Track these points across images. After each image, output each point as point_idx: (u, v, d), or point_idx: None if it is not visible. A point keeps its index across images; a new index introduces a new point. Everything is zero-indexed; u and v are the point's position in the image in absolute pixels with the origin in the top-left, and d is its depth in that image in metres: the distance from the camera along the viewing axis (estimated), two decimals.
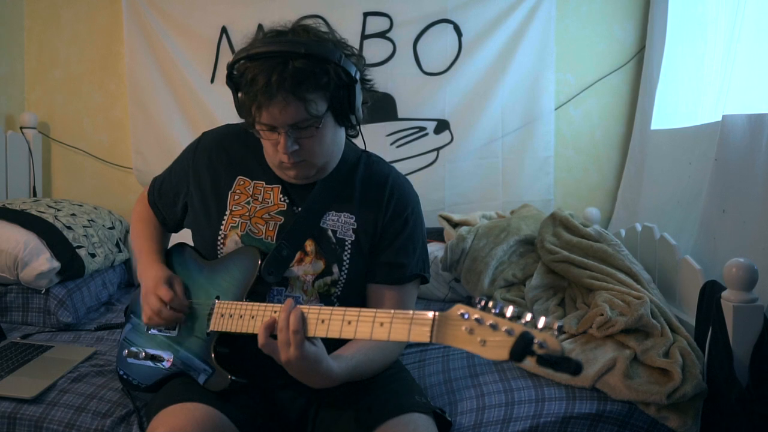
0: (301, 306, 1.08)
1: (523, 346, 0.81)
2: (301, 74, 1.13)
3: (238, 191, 1.33)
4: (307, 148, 1.22)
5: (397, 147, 2.66)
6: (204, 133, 1.43)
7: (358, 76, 1.21)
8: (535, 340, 0.81)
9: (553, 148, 2.67)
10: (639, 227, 2.07)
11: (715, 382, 1.38)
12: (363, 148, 1.42)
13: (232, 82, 1.21)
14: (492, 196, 2.69)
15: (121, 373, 1.40)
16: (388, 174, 1.37)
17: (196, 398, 1.17)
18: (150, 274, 1.31)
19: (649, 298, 1.58)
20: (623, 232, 2.21)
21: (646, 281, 1.72)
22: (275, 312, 1.11)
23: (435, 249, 2.25)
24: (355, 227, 1.30)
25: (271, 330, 1.08)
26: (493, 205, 2.61)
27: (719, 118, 1.74)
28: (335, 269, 1.28)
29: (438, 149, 2.68)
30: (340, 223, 1.30)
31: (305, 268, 1.27)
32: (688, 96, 2.25)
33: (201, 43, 2.65)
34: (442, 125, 2.66)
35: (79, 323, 2.04)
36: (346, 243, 1.29)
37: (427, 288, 2.26)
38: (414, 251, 1.33)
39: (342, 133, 1.31)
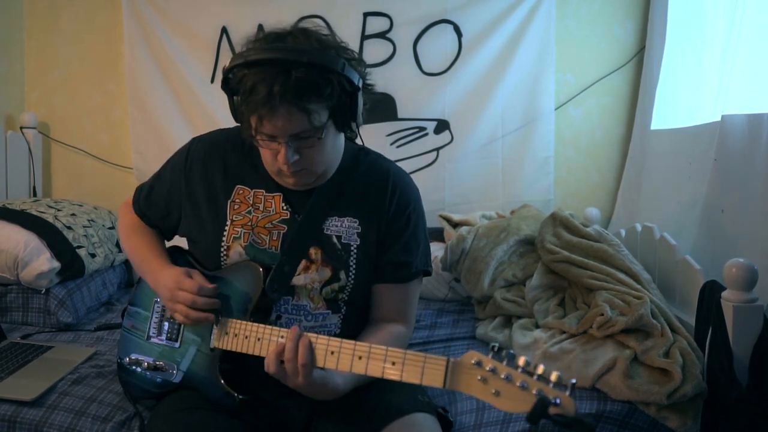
0: (309, 334, 1.07)
1: (540, 411, 0.82)
2: (304, 85, 1.08)
3: (237, 201, 1.29)
4: (308, 158, 1.18)
5: (397, 147, 2.67)
6: (194, 139, 1.37)
7: (360, 84, 1.17)
8: (551, 401, 0.82)
9: (553, 148, 2.67)
10: (639, 227, 2.07)
11: (715, 382, 1.38)
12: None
13: (229, 87, 1.16)
14: (492, 196, 2.69)
15: (123, 378, 1.38)
16: (388, 170, 1.34)
17: None
18: (166, 275, 1.24)
19: (649, 298, 1.58)
20: (623, 232, 2.21)
21: (646, 281, 1.72)
22: (282, 337, 1.10)
23: (435, 249, 2.24)
24: (359, 231, 1.28)
25: (281, 357, 1.07)
26: (493, 205, 2.61)
27: (719, 118, 1.74)
28: (342, 275, 1.26)
29: (438, 149, 2.68)
30: (344, 228, 1.27)
31: (312, 276, 1.25)
32: (688, 96, 2.25)
33: (201, 43, 2.65)
34: (442, 125, 2.66)
35: (79, 323, 2.04)
36: (352, 248, 1.27)
37: (427, 288, 2.25)
38: (417, 248, 1.32)
39: (342, 138, 1.28)
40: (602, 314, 1.54)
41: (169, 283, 1.21)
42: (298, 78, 1.07)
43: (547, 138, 2.66)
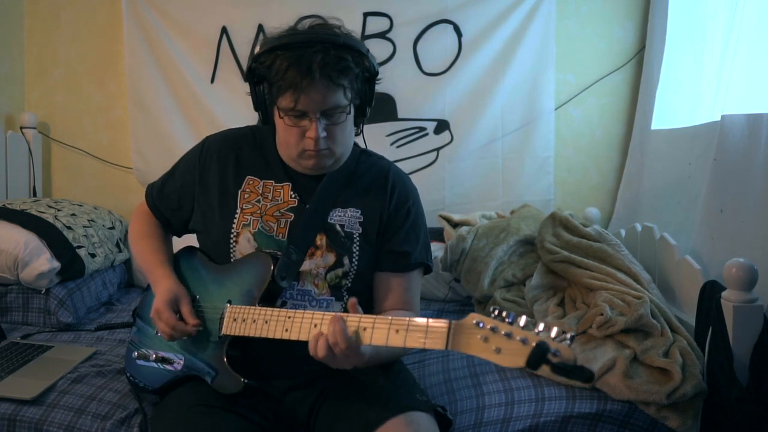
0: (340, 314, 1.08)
1: (539, 355, 0.84)
2: (341, 62, 1.19)
3: (248, 190, 1.34)
4: (333, 136, 1.25)
5: (397, 147, 2.66)
6: (207, 137, 1.43)
7: (378, 71, 1.29)
8: (551, 349, 0.84)
9: (553, 148, 2.67)
10: (639, 227, 2.07)
11: (715, 382, 1.39)
12: (364, 147, 1.45)
13: (255, 74, 1.24)
14: (492, 196, 2.69)
15: (129, 375, 1.39)
16: (389, 168, 1.41)
17: None
18: (159, 290, 1.28)
19: (648, 298, 1.58)
20: (623, 232, 2.21)
21: (646, 281, 1.72)
22: (290, 318, 1.12)
23: (435, 249, 2.23)
24: (361, 220, 1.33)
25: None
26: (493, 205, 2.61)
27: (718, 118, 1.74)
28: (346, 261, 1.30)
29: (438, 149, 2.68)
30: (346, 218, 1.33)
31: (317, 261, 1.29)
32: (688, 96, 2.25)
33: (201, 43, 2.65)
34: (442, 125, 2.66)
35: (79, 323, 2.04)
36: (354, 236, 1.32)
37: (427, 288, 2.25)
38: (417, 240, 1.37)
39: (354, 130, 1.34)
40: (602, 314, 1.54)
41: (157, 304, 1.25)
42: (335, 55, 1.18)
43: (547, 138, 2.66)
